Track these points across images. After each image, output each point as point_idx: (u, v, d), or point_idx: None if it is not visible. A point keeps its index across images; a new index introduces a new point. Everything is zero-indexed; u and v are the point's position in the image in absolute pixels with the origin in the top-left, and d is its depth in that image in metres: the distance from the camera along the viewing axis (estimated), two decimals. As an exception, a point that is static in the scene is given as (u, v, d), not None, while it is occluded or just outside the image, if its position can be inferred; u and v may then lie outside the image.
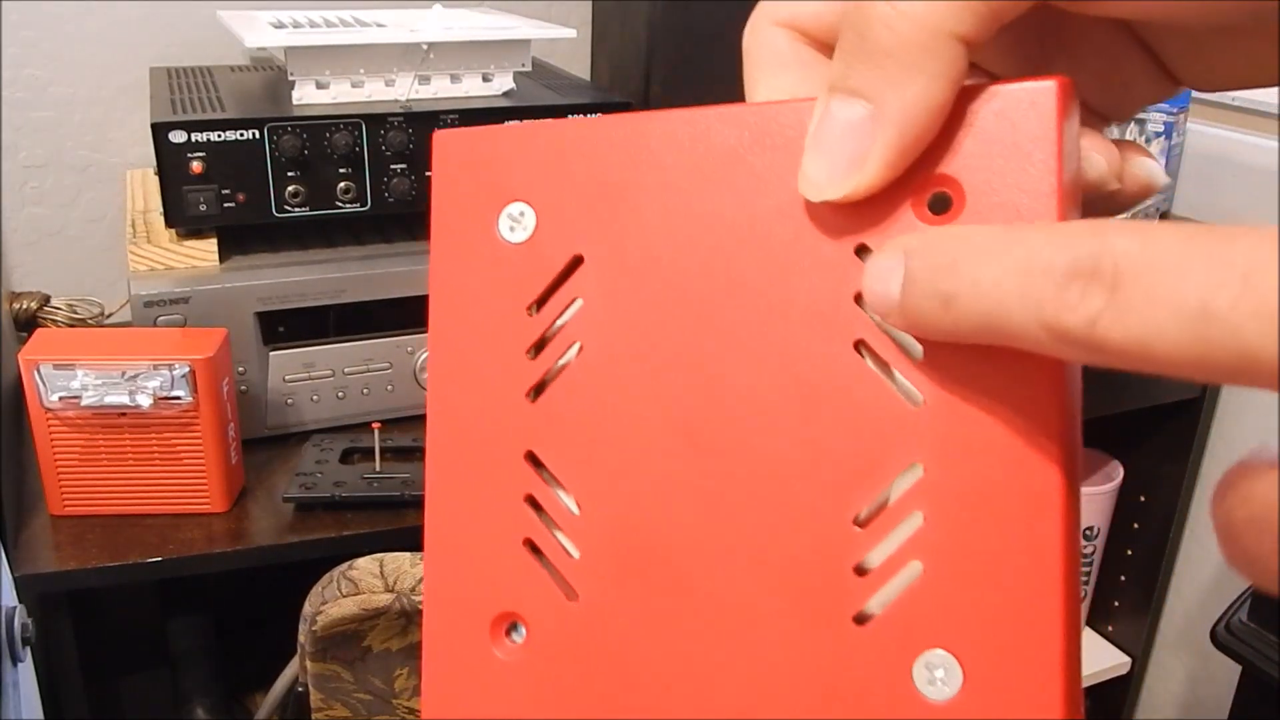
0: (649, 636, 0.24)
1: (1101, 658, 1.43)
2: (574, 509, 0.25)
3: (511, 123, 0.27)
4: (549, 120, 0.26)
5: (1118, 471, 1.37)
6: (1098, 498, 1.35)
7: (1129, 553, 1.43)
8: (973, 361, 0.21)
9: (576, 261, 0.25)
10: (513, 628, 0.26)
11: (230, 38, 0.99)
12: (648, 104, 1.22)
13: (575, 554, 0.25)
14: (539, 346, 0.26)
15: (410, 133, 0.97)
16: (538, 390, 0.25)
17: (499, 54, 1.05)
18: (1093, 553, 1.40)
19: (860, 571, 0.22)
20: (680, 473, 0.24)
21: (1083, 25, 0.25)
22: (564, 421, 0.25)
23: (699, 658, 0.23)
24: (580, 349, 0.25)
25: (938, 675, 0.21)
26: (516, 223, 0.26)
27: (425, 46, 1.01)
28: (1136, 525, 1.41)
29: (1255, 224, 0.17)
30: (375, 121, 0.96)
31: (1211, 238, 0.17)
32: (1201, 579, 1.41)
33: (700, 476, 0.24)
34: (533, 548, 0.25)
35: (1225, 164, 1.31)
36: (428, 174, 0.99)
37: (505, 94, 1.06)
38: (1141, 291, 0.17)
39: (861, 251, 0.22)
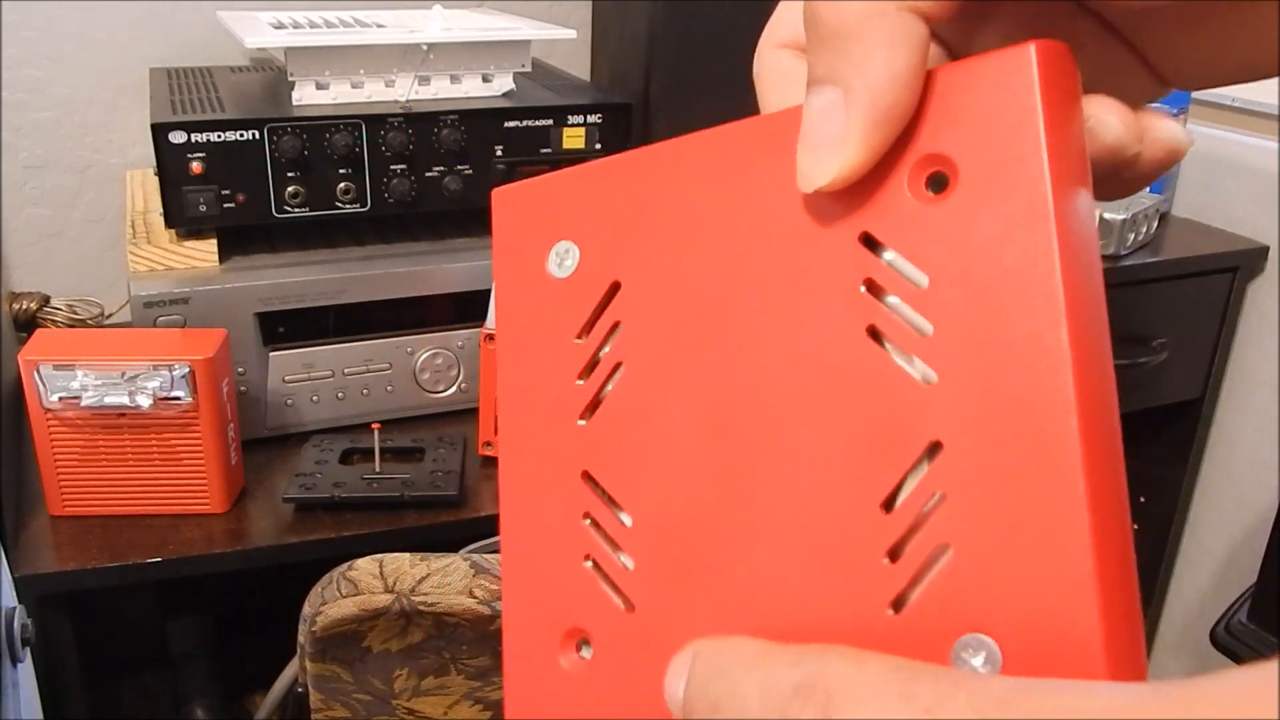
0: (701, 638, 0.24)
1: (1101, 659, 1.43)
2: (628, 522, 0.26)
3: (558, 170, 0.29)
4: (591, 162, 0.28)
5: (1117, 472, 1.37)
6: (1097, 499, 1.35)
7: (1129, 554, 1.43)
8: (983, 338, 0.21)
9: (615, 288, 0.27)
10: (583, 643, 0.27)
11: (230, 38, 0.99)
12: (648, 104, 1.22)
13: (631, 566, 0.26)
14: (588, 370, 0.27)
15: (410, 133, 0.97)
16: (589, 411, 0.27)
17: (499, 55, 1.05)
18: (1092, 554, 1.40)
19: (894, 557, 0.22)
20: (719, 475, 0.25)
21: (1069, 24, 0.25)
22: (613, 439, 0.26)
23: None
24: (624, 369, 0.26)
25: (977, 660, 0.20)
26: (563, 259, 0.28)
27: (425, 47, 1.01)
28: (1137, 526, 1.41)
29: (962, 673, 0.19)
30: (375, 122, 0.96)
31: (909, 673, 0.19)
32: (1201, 580, 1.41)
33: (737, 477, 0.24)
34: (594, 564, 0.26)
35: (1225, 165, 1.31)
36: (427, 174, 0.99)
37: (505, 95, 1.06)
38: (846, 713, 0.19)
39: (866, 239, 0.23)
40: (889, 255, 0.23)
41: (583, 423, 0.27)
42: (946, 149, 0.22)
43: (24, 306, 1.10)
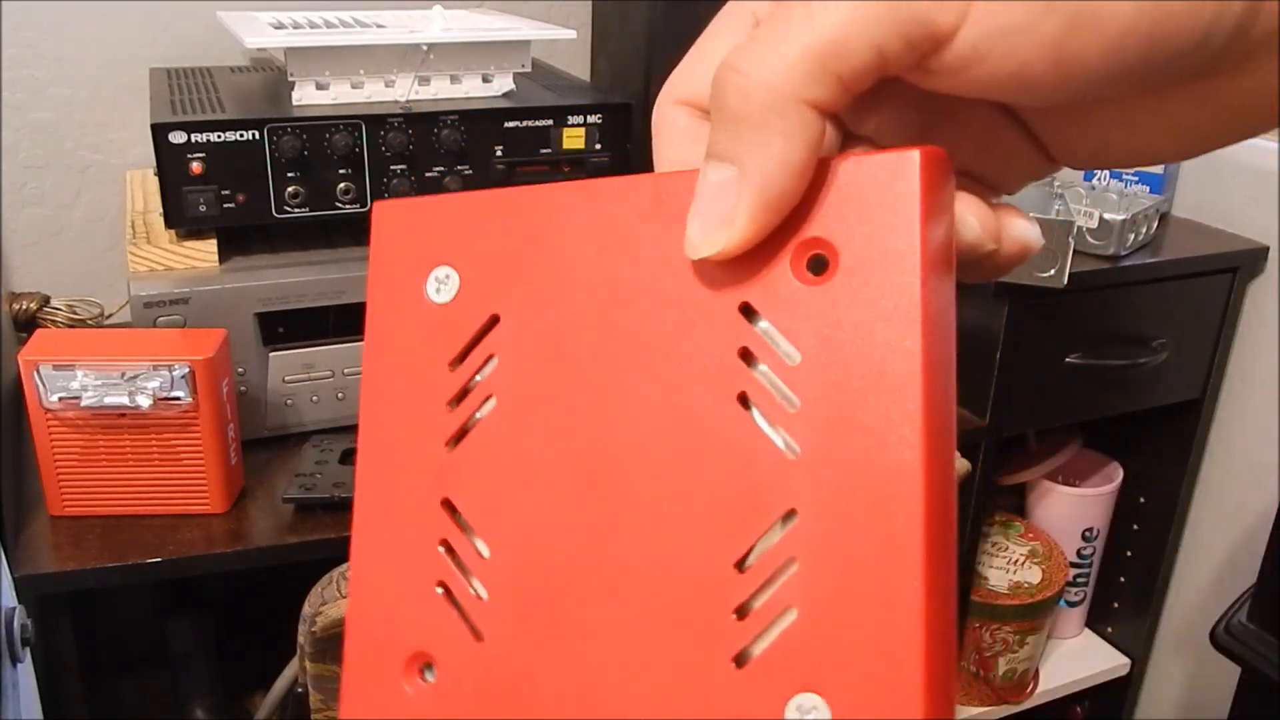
0: (546, 676, 0.25)
1: (1101, 659, 1.43)
2: (485, 553, 0.26)
3: (443, 194, 0.29)
4: (476, 191, 0.28)
5: (1117, 473, 1.37)
6: (1097, 499, 1.35)
7: (1128, 554, 1.43)
8: (846, 420, 0.22)
9: (493, 321, 0.27)
10: (427, 667, 0.27)
11: (230, 38, 0.99)
12: (648, 104, 1.22)
13: (484, 596, 0.26)
14: (458, 399, 0.27)
15: (410, 134, 0.97)
16: (456, 440, 0.27)
17: (499, 55, 1.05)
18: (1092, 554, 1.40)
19: (741, 614, 0.23)
20: (580, 519, 0.25)
21: (959, 100, 0.26)
22: (478, 470, 0.27)
23: (591, 697, 0.24)
24: (495, 403, 0.27)
25: (809, 718, 0.22)
26: (442, 284, 0.28)
27: (425, 47, 1.01)
28: (1136, 527, 1.41)
29: None
30: (375, 122, 0.96)
31: None
32: (1201, 580, 1.41)
33: (597, 522, 0.25)
34: (446, 591, 0.27)
35: (1225, 164, 1.31)
36: (427, 175, 0.99)
37: (505, 95, 1.06)
38: None
39: (745, 309, 0.24)
40: (763, 325, 0.24)
41: (448, 449, 0.27)
42: (830, 236, 0.23)
43: (24, 306, 1.10)
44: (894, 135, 0.27)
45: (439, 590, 0.27)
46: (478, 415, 0.27)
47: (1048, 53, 0.22)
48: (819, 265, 0.23)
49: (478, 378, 0.27)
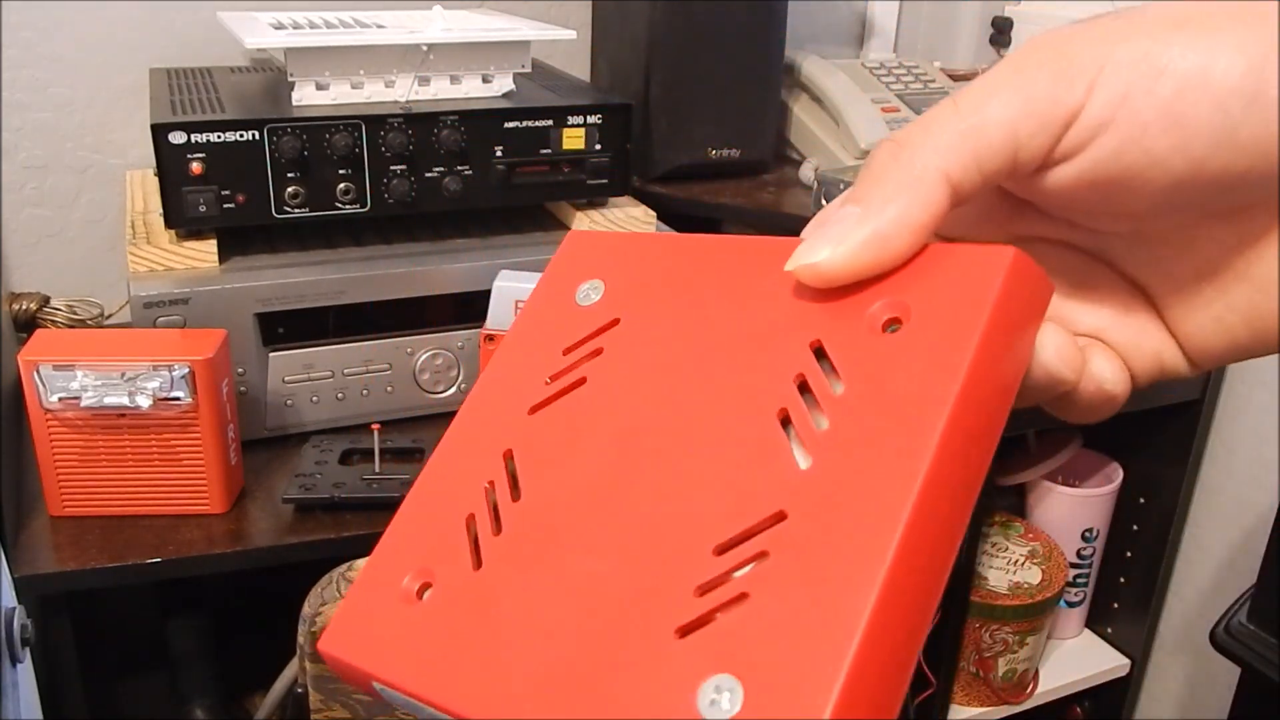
0: (516, 614, 0.27)
1: (1101, 660, 1.43)
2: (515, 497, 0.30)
3: (628, 232, 0.36)
4: (652, 233, 0.33)
5: (1117, 474, 1.37)
6: (1097, 500, 1.35)
7: (1128, 555, 1.43)
8: (862, 439, 0.25)
9: (614, 322, 0.32)
10: (427, 588, 0.29)
11: (230, 38, 1.00)
12: (648, 104, 1.22)
13: (498, 534, 0.29)
14: (558, 377, 0.32)
15: (410, 134, 0.97)
16: (539, 408, 0.31)
17: (499, 55, 1.05)
18: (1092, 555, 1.40)
19: (702, 592, 0.25)
20: (602, 481, 0.28)
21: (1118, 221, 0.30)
22: (543, 433, 0.30)
23: (550, 634, 0.26)
24: (585, 385, 0.31)
25: (722, 697, 0.22)
26: (590, 292, 0.33)
27: (425, 48, 1.01)
28: (1136, 527, 1.41)
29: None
30: (375, 123, 0.96)
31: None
32: (1201, 581, 1.41)
33: (616, 487, 0.28)
34: (470, 521, 0.30)
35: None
36: (427, 175, 0.99)
37: (505, 95, 1.06)
38: None
39: (817, 349, 0.27)
40: (827, 366, 0.27)
41: (529, 415, 0.31)
42: (912, 304, 0.26)
43: (24, 307, 1.10)
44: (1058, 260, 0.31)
45: (465, 523, 0.30)
46: (568, 395, 0.31)
47: (1163, 111, 0.25)
48: (893, 327, 0.26)
49: (580, 367, 0.31)
